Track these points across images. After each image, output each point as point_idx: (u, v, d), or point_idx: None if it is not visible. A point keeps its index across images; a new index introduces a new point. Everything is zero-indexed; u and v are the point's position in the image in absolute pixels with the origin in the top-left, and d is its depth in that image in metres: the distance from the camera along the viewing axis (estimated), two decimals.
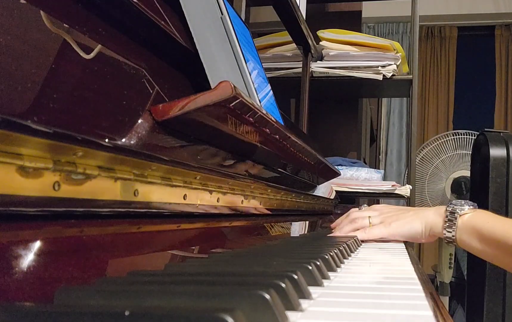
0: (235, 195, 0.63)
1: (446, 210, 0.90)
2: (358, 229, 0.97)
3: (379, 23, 4.52)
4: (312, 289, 0.36)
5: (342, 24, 2.00)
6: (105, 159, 0.35)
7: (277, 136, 0.71)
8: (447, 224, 0.88)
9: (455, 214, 0.88)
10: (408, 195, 1.80)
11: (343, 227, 0.99)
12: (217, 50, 0.64)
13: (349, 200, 1.87)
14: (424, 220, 0.93)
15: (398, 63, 1.83)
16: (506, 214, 1.83)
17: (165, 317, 0.21)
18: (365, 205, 1.16)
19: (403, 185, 1.84)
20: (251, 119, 0.58)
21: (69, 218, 0.33)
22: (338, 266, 0.51)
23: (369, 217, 0.98)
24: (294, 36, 1.54)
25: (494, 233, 0.82)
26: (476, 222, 0.86)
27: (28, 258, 0.28)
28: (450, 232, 0.88)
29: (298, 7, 1.36)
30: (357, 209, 1.08)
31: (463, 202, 0.90)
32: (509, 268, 0.85)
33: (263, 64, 0.92)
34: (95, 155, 0.34)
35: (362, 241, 0.93)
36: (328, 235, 0.95)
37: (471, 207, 0.89)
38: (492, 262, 0.87)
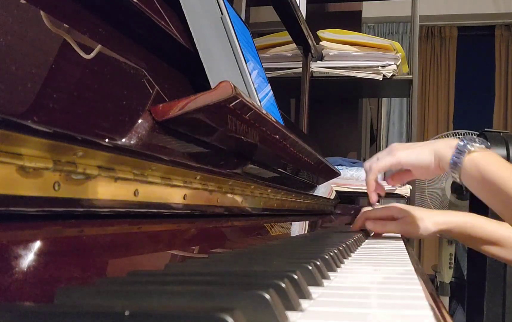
0: (235, 195, 0.63)
1: (458, 144, 0.85)
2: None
3: (379, 23, 4.52)
4: (312, 289, 0.36)
5: (342, 24, 2.00)
6: (105, 159, 0.35)
7: (277, 136, 0.71)
8: (453, 160, 0.84)
9: (464, 151, 0.83)
10: (408, 195, 1.80)
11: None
12: (217, 50, 0.64)
13: (349, 200, 1.87)
14: (434, 150, 0.89)
15: (398, 63, 1.83)
16: None
17: (165, 317, 0.21)
18: (377, 203, 1.15)
19: (403, 185, 1.84)
20: (251, 119, 0.58)
21: (69, 218, 0.33)
22: (338, 266, 0.51)
23: (377, 158, 0.97)
24: (294, 36, 1.54)
25: (494, 179, 0.79)
26: (480, 163, 0.81)
27: (28, 258, 0.28)
28: (455, 168, 0.84)
29: (298, 7, 1.36)
30: (369, 208, 1.08)
31: (476, 138, 0.85)
32: (506, 218, 0.82)
33: (263, 64, 0.92)
34: (95, 155, 0.34)
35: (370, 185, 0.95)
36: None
37: (482, 145, 0.84)
38: (490, 207, 0.83)
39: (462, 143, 0.84)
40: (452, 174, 0.85)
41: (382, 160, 0.94)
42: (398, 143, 0.99)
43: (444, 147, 0.88)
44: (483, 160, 0.82)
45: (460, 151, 0.84)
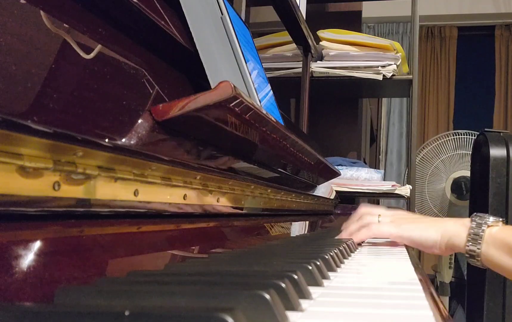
0: (235, 195, 0.63)
1: (472, 220, 0.80)
2: (364, 227, 0.89)
3: (379, 23, 4.52)
4: (312, 289, 0.36)
5: (342, 24, 2.00)
6: (105, 159, 0.35)
7: (277, 136, 0.71)
8: (472, 236, 0.79)
9: (482, 226, 0.79)
10: (408, 195, 1.80)
11: (349, 226, 0.91)
12: (217, 50, 0.64)
13: (349, 200, 1.87)
14: (442, 229, 0.83)
15: (398, 63, 1.83)
16: (506, 214, 1.83)
17: (165, 317, 0.21)
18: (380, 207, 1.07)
19: (403, 185, 1.84)
20: (251, 119, 0.58)
21: (69, 218, 0.33)
22: (338, 266, 0.51)
23: (379, 215, 0.90)
24: (294, 36, 1.54)
25: None
26: (507, 236, 0.77)
27: (28, 258, 0.28)
28: (475, 245, 0.78)
29: (298, 7, 1.36)
30: (366, 205, 0.98)
31: (487, 215, 0.81)
32: None
33: (263, 64, 0.92)
34: (95, 155, 0.34)
35: (363, 242, 0.86)
36: (336, 238, 0.88)
37: (499, 220, 0.80)
38: None
39: (477, 219, 0.80)
40: (469, 252, 0.79)
41: (385, 226, 0.86)
42: (402, 212, 0.92)
43: (454, 225, 0.82)
44: (510, 233, 0.78)
45: (478, 224, 0.79)
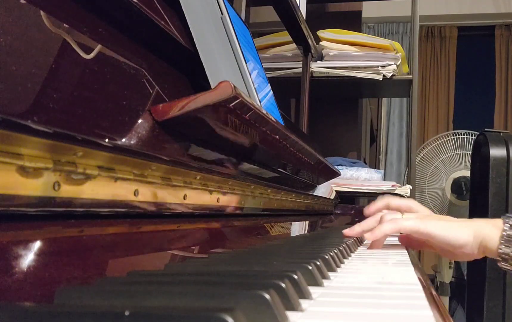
0: (235, 195, 0.63)
1: (504, 222, 0.75)
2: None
3: (379, 23, 4.52)
4: (312, 289, 0.36)
5: (342, 24, 2.00)
6: (105, 159, 0.35)
7: (277, 136, 0.71)
8: (505, 238, 0.74)
9: None
10: (408, 195, 1.80)
11: (376, 215, 0.83)
12: (217, 50, 0.64)
13: (349, 200, 1.87)
14: (474, 230, 0.76)
15: (398, 63, 1.83)
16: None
17: (165, 317, 0.21)
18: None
19: (403, 185, 1.84)
20: (251, 119, 0.58)
21: (69, 218, 0.33)
22: (338, 266, 0.51)
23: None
24: (294, 36, 1.54)
25: None
26: None
27: (28, 258, 0.28)
28: (509, 247, 0.74)
29: (298, 7, 1.36)
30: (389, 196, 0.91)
31: None
32: None
33: (263, 64, 0.92)
34: (95, 155, 0.34)
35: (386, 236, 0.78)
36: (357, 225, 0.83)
37: None
38: None
39: (511, 219, 0.76)
40: (502, 255, 0.74)
41: (411, 221, 0.78)
42: (426, 209, 0.87)
43: (486, 225, 0.77)
44: None
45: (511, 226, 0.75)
